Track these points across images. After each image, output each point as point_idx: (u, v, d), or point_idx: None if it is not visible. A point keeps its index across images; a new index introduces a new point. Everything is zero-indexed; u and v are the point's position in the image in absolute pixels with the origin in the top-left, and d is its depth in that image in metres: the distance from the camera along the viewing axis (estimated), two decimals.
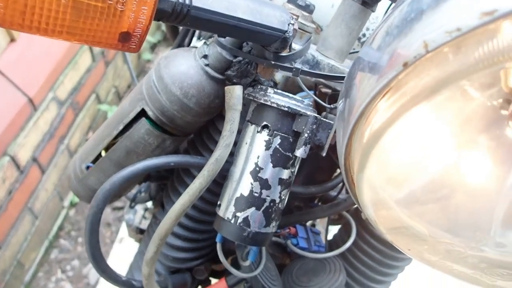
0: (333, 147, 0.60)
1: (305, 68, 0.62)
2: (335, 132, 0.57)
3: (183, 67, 0.58)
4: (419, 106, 0.28)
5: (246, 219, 0.54)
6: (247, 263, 0.61)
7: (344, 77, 0.57)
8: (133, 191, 0.96)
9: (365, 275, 0.77)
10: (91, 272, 1.95)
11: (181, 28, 0.88)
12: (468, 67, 0.24)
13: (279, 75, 0.67)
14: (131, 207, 0.92)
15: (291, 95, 0.55)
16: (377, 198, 0.36)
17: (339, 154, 0.37)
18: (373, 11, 0.63)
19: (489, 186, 0.35)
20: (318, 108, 0.61)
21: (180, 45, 0.83)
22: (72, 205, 2.14)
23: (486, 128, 0.33)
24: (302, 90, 0.75)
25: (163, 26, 2.92)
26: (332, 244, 0.82)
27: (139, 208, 1.13)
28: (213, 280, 0.80)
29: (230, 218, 0.55)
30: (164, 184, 0.80)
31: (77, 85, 2.04)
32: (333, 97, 0.66)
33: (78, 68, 2.03)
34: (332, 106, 0.60)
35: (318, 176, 0.76)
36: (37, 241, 1.86)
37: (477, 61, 0.24)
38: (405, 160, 0.34)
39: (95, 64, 2.20)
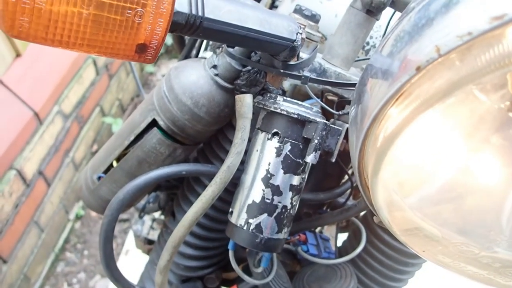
0: (341, 154, 0.61)
1: (313, 76, 0.63)
2: (343, 138, 0.58)
3: (193, 77, 0.59)
4: (432, 108, 0.28)
5: (258, 226, 0.55)
6: (260, 269, 0.62)
7: (351, 83, 0.59)
8: (142, 201, 0.97)
9: (375, 281, 0.77)
10: (97, 285, 1.95)
11: (187, 40, 0.89)
12: (479, 69, 0.25)
13: (286, 84, 0.68)
14: (140, 217, 0.93)
15: (300, 102, 0.56)
16: (391, 200, 0.37)
17: (352, 158, 0.38)
18: (378, 20, 0.65)
19: (500, 186, 0.35)
20: (326, 116, 0.62)
21: (187, 56, 0.85)
22: (78, 218, 2.14)
23: (496, 129, 0.34)
24: (307, 99, 0.77)
25: (166, 39, 2.94)
26: (342, 251, 0.83)
27: (147, 218, 1.13)
28: None
29: (242, 224, 0.55)
30: (173, 193, 0.80)
31: (82, 99, 2.06)
32: (341, 104, 0.67)
33: (82, 81, 2.05)
34: (340, 112, 0.61)
35: (326, 183, 0.76)
36: (43, 254, 1.86)
37: (488, 63, 0.25)
38: (419, 162, 0.35)
39: (99, 77, 2.22)
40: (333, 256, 0.77)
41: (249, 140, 0.57)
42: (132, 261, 1.93)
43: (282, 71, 0.55)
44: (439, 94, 0.27)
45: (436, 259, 0.41)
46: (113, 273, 0.58)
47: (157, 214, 1.13)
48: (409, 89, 0.29)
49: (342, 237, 0.88)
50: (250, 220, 0.55)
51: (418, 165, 0.35)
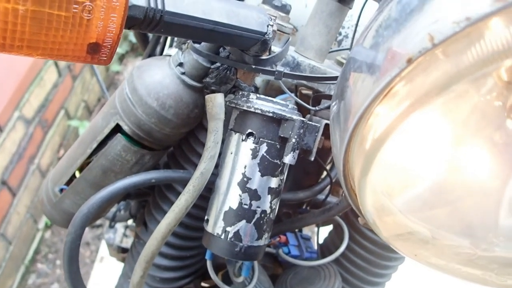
0: (318, 150, 0.58)
1: (287, 70, 0.59)
2: (321, 135, 0.55)
3: (158, 76, 0.54)
4: (429, 105, 0.25)
5: (237, 234, 0.51)
6: (241, 279, 0.58)
7: (327, 77, 0.55)
8: (113, 209, 0.92)
9: (359, 278, 0.75)
10: None
11: (151, 36, 0.84)
12: (482, 59, 0.22)
13: (258, 80, 0.65)
14: (111, 226, 0.88)
15: (274, 99, 0.53)
16: (380, 204, 0.34)
17: (336, 160, 0.35)
18: (350, 8, 0.62)
19: (496, 185, 0.33)
20: (301, 111, 0.58)
21: (151, 54, 0.80)
22: (48, 226, 2.05)
23: (491, 125, 0.31)
24: (281, 94, 0.73)
25: (131, 36, 2.85)
26: (324, 249, 0.80)
27: (119, 226, 1.08)
28: None
29: (219, 233, 0.52)
30: (145, 200, 0.76)
31: (44, 102, 1.96)
32: (316, 99, 0.64)
33: (44, 84, 1.95)
34: (317, 108, 0.58)
35: (305, 181, 0.73)
36: (13, 267, 1.77)
37: (492, 52, 0.22)
38: (411, 164, 0.32)
39: (62, 79, 2.12)
40: (315, 255, 0.74)
41: (222, 142, 0.54)
42: (107, 268, 1.87)
43: (253, 66, 0.51)
44: (436, 90, 0.24)
45: (428, 262, 0.39)
46: None
47: (130, 221, 1.07)
48: (399, 84, 0.26)
49: (324, 229, 0.85)
50: (228, 228, 0.51)
51: (411, 167, 0.32)
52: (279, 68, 0.53)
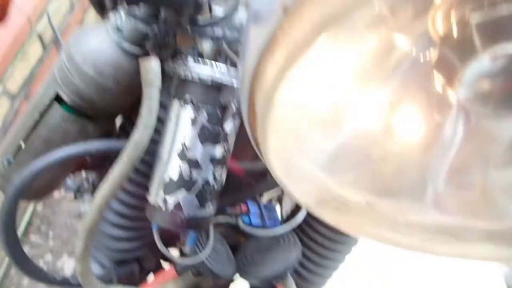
0: None
1: (235, 34, 0.56)
2: None
3: (95, 43, 0.52)
4: (307, 54, 0.23)
5: (177, 204, 0.50)
6: (187, 249, 0.57)
7: None
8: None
9: (322, 244, 0.74)
10: (66, 265, 1.91)
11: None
12: (348, 5, 0.20)
13: (207, 45, 0.62)
14: (76, 198, 0.87)
15: (215, 63, 0.50)
16: (290, 172, 0.32)
17: (245, 124, 0.32)
18: None
19: (422, 143, 0.31)
20: None
21: None
22: None
23: (411, 78, 0.29)
24: None
25: None
26: (290, 217, 0.79)
27: None
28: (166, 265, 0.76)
29: (160, 204, 0.50)
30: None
31: (30, 76, 1.93)
32: None
33: (28, 58, 1.92)
34: None
35: None
36: None
37: None
38: (314, 121, 0.29)
39: (47, 53, 2.09)
40: (279, 224, 0.73)
41: (165, 109, 0.52)
42: None
43: (189, 30, 0.48)
44: (308, 38, 0.22)
45: (355, 230, 0.37)
46: (26, 267, 0.53)
47: None
48: (281, 35, 0.23)
49: None
50: (168, 199, 0.50)
51: (315, 125, 0.30)
52: (218, 33, 0.50)
